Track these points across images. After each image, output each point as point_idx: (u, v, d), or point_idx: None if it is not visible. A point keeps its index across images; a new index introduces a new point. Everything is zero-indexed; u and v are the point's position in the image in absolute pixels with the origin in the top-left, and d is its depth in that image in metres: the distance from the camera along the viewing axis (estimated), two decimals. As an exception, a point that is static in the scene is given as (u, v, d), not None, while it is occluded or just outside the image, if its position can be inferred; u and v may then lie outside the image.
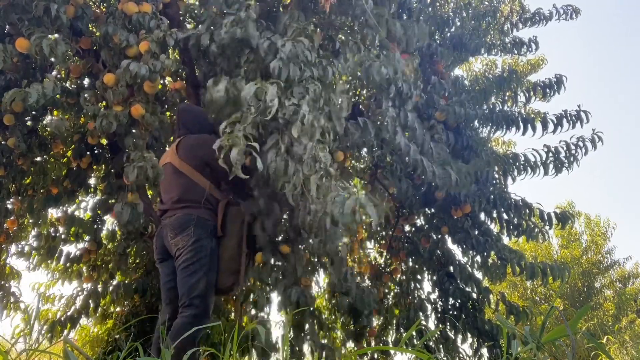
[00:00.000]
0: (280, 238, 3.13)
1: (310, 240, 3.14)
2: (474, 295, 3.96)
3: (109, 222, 4.11)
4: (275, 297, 3.23)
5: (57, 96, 2.88)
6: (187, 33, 2.79)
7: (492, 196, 3.83)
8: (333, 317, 4.28)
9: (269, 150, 2.27)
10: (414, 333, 3.75)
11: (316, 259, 3.53)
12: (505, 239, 4.01)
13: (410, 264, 4.34)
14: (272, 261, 3.16)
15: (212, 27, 2.72)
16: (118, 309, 4.15)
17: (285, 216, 3.18)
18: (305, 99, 2.33)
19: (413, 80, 3.21)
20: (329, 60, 2.63)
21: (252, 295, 3.45)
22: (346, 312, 3.27)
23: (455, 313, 3.94)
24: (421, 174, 2.99)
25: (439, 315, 4.00)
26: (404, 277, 4.29)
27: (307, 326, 3.04)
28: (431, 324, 4.08)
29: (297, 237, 3.02)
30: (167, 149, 3.51)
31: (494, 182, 3.92)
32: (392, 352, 4.01)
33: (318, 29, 3.04)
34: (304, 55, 2.47)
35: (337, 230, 2.47)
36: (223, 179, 2.70)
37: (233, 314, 3.91)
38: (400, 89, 3.03)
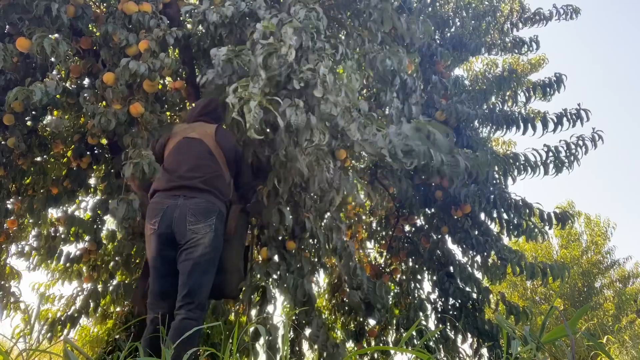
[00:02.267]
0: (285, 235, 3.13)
1: (311, 240, 3.13)
2: (474, 295, 3.96)
3: (109, 222, 4.11)
4: (278, 295, 3.23)
5: (57, 96, 2.88)
6: (190, 8, 2.75)
7: (492, 196, 3.83)
8: (333, 317, 4.28)
9: (286, 110, 2.16)
10: (414, 333, 3.74)
11: (316, 259, 3.53)
12: (505, 239, 4.02)
13: (410, 264, 4.33)
14: (277, 258, 3.16)
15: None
16: (118, 309, 4.15)
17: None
18: (322, 63, 2.26)
19: (416, 77, 3.21)
20: (338, 40, 2.60)
21: (256, 294, 3.44)
22: (357, 308, 3.21)
23: (455, 313, 3.94)
24: (429, 163, 2.96)
25: (439, 315, 4.00)
26: (404, 277, 4.28)
27: (310, 325, 3.03)
28: (431, 324, 4.08)
29: (303, 233, 3.01)
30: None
31: (494, 182, 3.92)
32: (392, 352, 4.01)
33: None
34: (316, 25, 2.40)
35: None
36: (240, 184, 2.68)
37: (233, 314, 3.91)
38: (405, 81, 3.02)
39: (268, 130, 2.52)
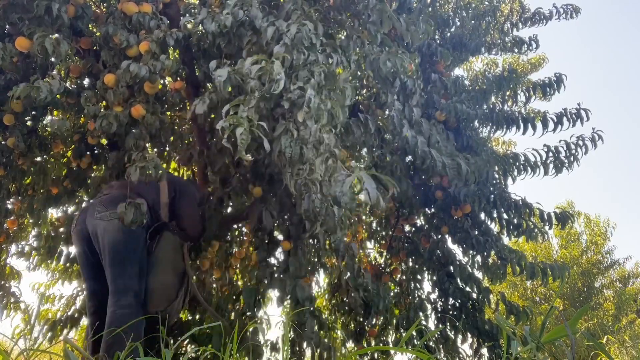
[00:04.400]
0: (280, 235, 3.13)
1: (310, 241, 3.13)
2: (474, 295, 3.95)
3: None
4: (274, 296, 3.23)
5: (57, 96, 2.88)
6: (188, 19, 2.77)
7: (492, 196, 3.82)
8: (333, 317, 4.27)
9: (281, 136, 2.22)
10: (414, 333, 3.74)
11: (316, 259, 3.53)
12: (505, 239, 4.01)
13: (410, 264, 4.33)
14: (271, 259, 3.15)
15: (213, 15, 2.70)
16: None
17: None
18: (310, 82, 2.29)
19: (416, 77, 3.21)
20: (333, 48, 2.61)
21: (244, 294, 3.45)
22: (360, 308, 3.21)
23: (455, 313, 3.94)
24: (430, 166, 2.97)
25: (439, 315, 4.00)
26: (404, 277, 4.28)
27: (307, 326, 3.03)
28: (431, 324, 4.08)
29: (301, 234, 3.00)
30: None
31: (494, 182, 3.91)
32: (392, 352, 4.01)
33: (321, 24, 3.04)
34: (309, 38, 2.43)
35: (340, 219, 2.44)
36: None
37: (233, 314, 3.91)
38: (405, 83, 3.03)
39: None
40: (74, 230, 2.65)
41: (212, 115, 3.60)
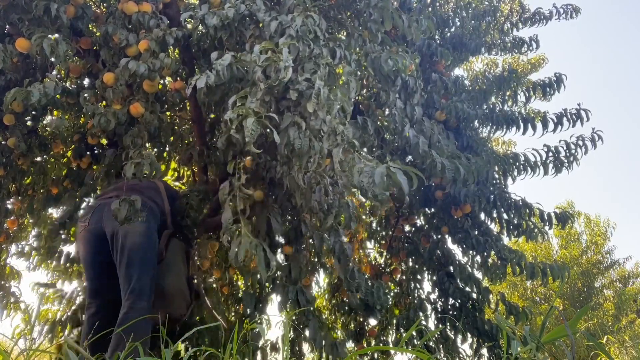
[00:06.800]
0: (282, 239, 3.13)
1: (311, 240, 3.13)
2: (474, 295, 3.95)
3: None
4: (275, 298, 3.23)
5: (57, 96, 2.88)
6: (188, 14, 2.78)
7: (492, 196, 3.82)
8: (333, 317, 4.27)
9: (289, 128, 2.19)
10: (414, 333, 3.74)
11: (316, 259, 3.52)
12: (505, 239, 4.01)
13: (410, 264, 4.33)
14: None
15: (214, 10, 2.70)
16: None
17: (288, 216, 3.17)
18: (317, 74, 2.28)
19: (416, 77, 3.21)
20: (336, 43, 2.61)
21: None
22: (358, 309, 3.21)
23: (455, 313, 3.94)
24: (430, 166, 2.97)
25: (439, 315, 4.00)
26: (404, 277, 4.28)
27: (307, 326, 3.02)
28: (431, 324, 4.08)
29: (300, 238, 3.01)
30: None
31: (494, 182, 3.91)
32: (392, 352, 4.01)
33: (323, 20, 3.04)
34: (314, 31, 2.43)
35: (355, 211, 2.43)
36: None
37: (233, 315, 3.91)
38: (407, 82, 3.03)
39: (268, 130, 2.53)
40: (86, 229, 2.57)
41: (212, 115, 3.61)
